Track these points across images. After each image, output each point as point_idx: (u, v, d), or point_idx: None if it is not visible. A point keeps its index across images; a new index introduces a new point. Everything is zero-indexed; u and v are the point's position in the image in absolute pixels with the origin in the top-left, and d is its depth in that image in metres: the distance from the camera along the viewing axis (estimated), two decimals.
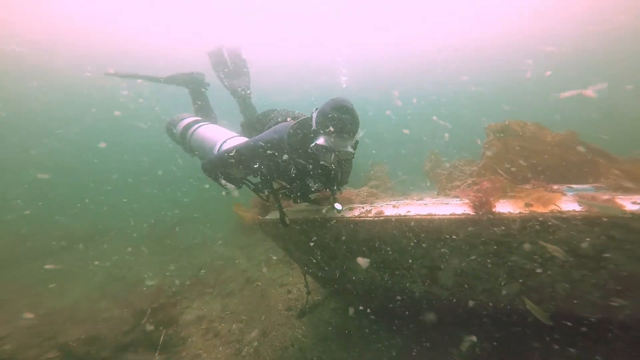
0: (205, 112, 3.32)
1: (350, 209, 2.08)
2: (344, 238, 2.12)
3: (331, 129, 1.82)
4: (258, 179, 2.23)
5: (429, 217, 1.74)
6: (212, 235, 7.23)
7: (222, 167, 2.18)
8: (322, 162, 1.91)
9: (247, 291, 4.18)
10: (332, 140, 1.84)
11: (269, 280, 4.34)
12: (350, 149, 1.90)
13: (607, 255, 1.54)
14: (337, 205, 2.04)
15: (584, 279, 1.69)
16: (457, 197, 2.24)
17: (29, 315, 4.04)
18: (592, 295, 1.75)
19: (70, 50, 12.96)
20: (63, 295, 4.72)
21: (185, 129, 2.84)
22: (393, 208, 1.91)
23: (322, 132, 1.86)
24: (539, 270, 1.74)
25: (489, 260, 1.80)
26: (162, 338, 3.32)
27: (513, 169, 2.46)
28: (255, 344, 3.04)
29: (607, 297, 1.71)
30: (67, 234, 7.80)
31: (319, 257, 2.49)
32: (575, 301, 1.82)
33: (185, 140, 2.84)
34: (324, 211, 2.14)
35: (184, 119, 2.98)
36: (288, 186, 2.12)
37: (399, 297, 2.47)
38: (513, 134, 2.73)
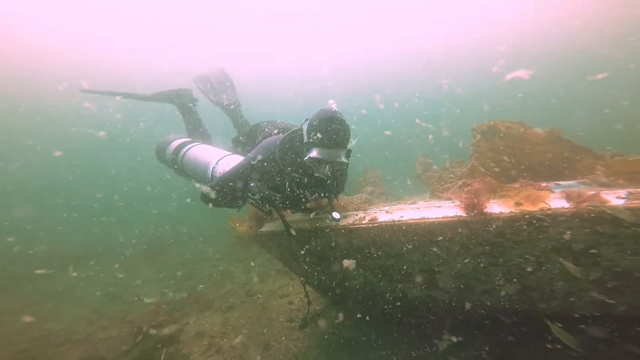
0: (196, 128, 3.32)
1: (345, 217, 2.10)
2: (339, 246, 2.13)
3: (323, 140, 1.82)
4: (257, 195, 2.23)
5: (422, 221, 1.77)
6: (207, 249, 7.16)
7: (222, 194, 2.12)
8: (316, 174, 1.90)
9: (247, 304, 4.13)
10: (325, 151, 1.84)
11: (269, 292, 4.31)
12: (343, 159, 1.90)
13: (598, 251, 1.59)
14: (335, 214, 2.04)
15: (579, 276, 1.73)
16: (449, 198, 2.28)
17: (28, 319, 3.94)
18: (588, 292, 1.78)
19: (45, 66, 12.89)
20: (58, 317, 4.60)
21: (175, 152, 2.81)
22: (386, 214, 1.94)
23: (314, 144, 1.86)
24: (534, 270, 1.78)
25: (484, 261, 1.83)
26: (162, 356, 3.25)
27: (498, 169, 2.52)
28: (258, 358, 3.00)
29: (603, 294, 1.74)
30: (55, 254, 7.63)
31: (316, 266, 2.49)
32: (572, 299, 1.85)
33: (177, 164, 2.81)
34: (319, 220, 2.15)
35: (173, 141, 2.95)
36: (279, 196, 2.12)
37: (398, 303, 2.48)
38: (498, 133, 2.80)
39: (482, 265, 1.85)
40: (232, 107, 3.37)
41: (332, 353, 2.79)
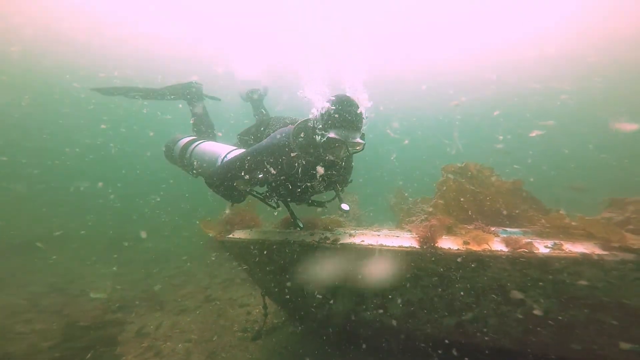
0: (206, 126, 3.35)
1: (312, 234, 2.19)
2: (303, 262, 2.21)
3: (340, 121, 1.87)
4: (264, 189, 2.24)
5: (379, 247, 1.90)
6: (177, 248, 6.89)
7: (227, 177, 2.13)
8: (331, 158, 1.95)
9: (203, 310, 4.01)
10: (343, 132, 1.89)
11: (229, 299, 4.21)
12: (360, 140, 1.95)
13: (526, 292, 1.77)
14: (344, 206, 2.08)
15: (509, 314, 1.90)
16: (410, 231, 2.44)
17: None
18: (516, 330, 1.95)
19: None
20: None
21: (184, 149, 2.86)
22: (349, 237, 2.05)
23: (331, 126, 1.90)
24: (473, 304, 1.93)
25: (430, 292, 1.97)
26: (88, 356, 3.00)
27: (459, 209, 2.74)
28: None
29: (527, 332, 1.92)
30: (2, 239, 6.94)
31: (279, 279, 2.52)
32: (503, 335, 2.01)
33: (184, 160, 2.84)
34: (286, 233, 2.22)
35: (181, 139, 3.01)
36: (283, 187, 2.10)
37: (355, 325, 2.54)
38: (468, 175, 3.04)
39: (430, 296, 1.99)
40: (254, 96, 3.63)
41: None
